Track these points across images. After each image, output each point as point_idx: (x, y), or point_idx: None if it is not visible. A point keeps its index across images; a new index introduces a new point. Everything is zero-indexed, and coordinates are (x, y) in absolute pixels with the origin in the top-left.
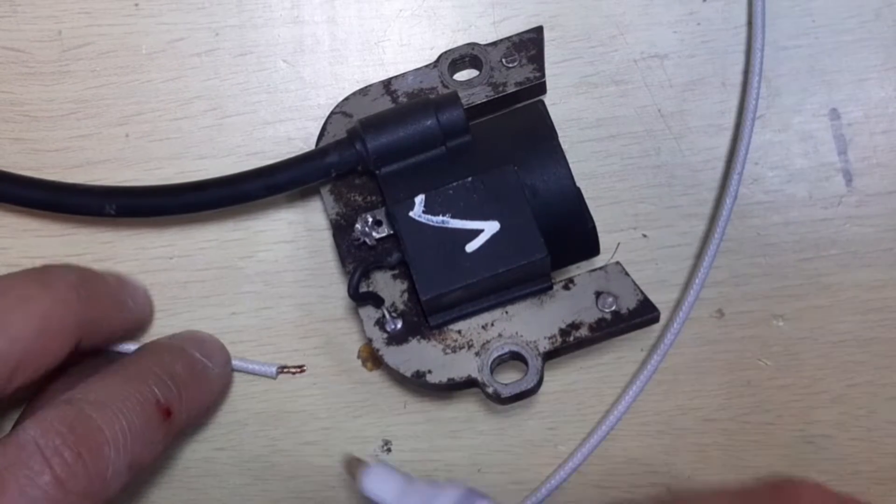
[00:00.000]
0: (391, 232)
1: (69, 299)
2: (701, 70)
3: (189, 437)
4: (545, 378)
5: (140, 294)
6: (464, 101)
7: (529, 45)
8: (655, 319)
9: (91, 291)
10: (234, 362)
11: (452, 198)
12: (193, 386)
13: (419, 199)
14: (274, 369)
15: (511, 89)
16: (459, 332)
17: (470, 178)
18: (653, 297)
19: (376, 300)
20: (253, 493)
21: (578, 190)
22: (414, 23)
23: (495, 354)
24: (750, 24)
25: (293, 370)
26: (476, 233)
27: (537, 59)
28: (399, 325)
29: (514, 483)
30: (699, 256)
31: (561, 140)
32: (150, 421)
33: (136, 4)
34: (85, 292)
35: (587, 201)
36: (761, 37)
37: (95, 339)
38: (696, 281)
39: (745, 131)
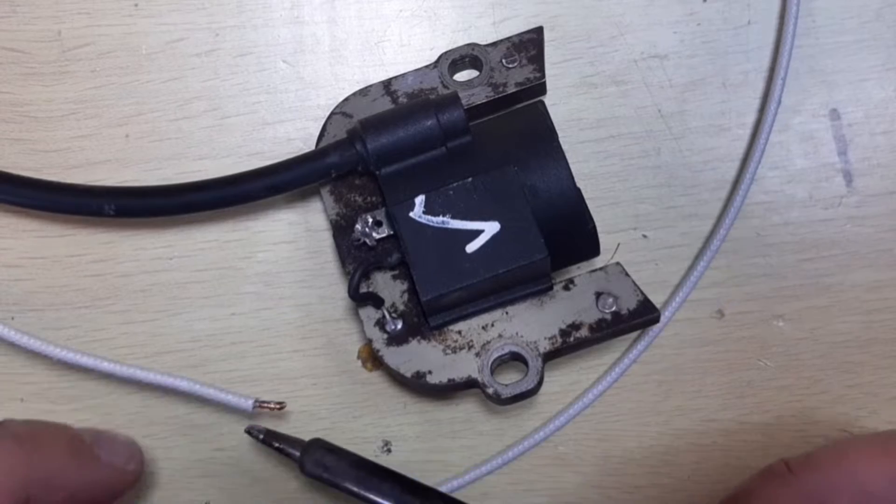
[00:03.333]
0: (391, 232)
1: (13, 453)
2: (701, 70)
3: (189, 438)
4: (545, 378)
5: (120, 448)
6: (464, 101)
7: (529, 45)
8: (656, 320)
9: (41, 444)
10: (209, 391)
11: (453, 198)
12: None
13: (419, 200)
14: (250, 403)
15: (511, 90)
16: (460, 332)
17: (470, 179)
18: (653, 298)
19: (376, 301)
20: (253, 493)
21: (578, 190)
22: (414, 23)
23: (495, 355)
24: (781, 29)
25: (272, 406)
26: (476, 233)
27: (537, 60)
28: (399, 326)
29: (513, 483)
30: (698, 256)
31: (561, 140)
32: None
33: (136, 5)
34: (32, 445)
35: (587, 202)
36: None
37: (54, 499)
38: (692, 278)
39: (764, 127)
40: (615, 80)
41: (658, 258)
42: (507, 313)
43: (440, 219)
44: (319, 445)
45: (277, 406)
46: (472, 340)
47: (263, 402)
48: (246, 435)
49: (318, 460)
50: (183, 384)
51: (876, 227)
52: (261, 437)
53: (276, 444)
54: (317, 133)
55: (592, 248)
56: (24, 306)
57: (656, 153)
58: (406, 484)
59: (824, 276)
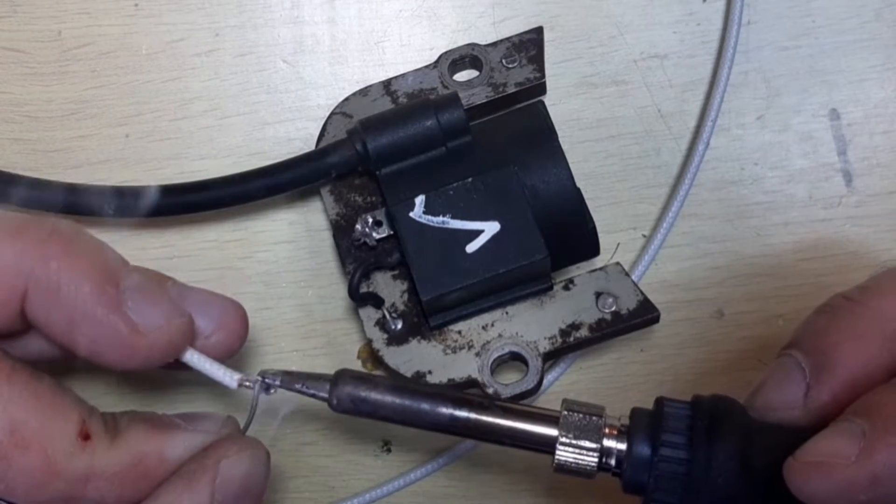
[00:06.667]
0: (391, 232)
1: (25, 241)
2: (701, 70)
3: None
4: (545, 378)
5: (156, 313)
6: (464, 101)
7: (529, 45)
8: (655, 320)
9: (68, 253)
10: (196, 360)
11: (453, 198)
12: None
13: (419, 200)
14: (236, 379)
15: (511, 90)
16: (460, 332)
17: (470, 179)
18: (653, 298)
19: (376, 301)
20: None
21: (578, 190)
22: (414, 23)
23: (495, 355)
24: None
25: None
26: (476, 233)
27: (537, 60)
28: (399, 326)
29: (513, 483)
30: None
31: (561, 140)
32: None
33: (136, 5)
34: (58, 246)
35: (587, 201)
36: None
37: (52, 315)
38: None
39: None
40: (615, 80)
41: (658, 258)
42: (507, 313)
43: (440, 219)
44: (348, 377)
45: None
46: (472, 340)
47: (249, 379)
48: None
49: (351, 394)
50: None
51: (876, 227)
52: (277, 382)
53: (298, 387)
54: (317, 133)
55: (592, 248)
56: None
57: (656, 153)
58: (450, 401)
59: (824, 277)
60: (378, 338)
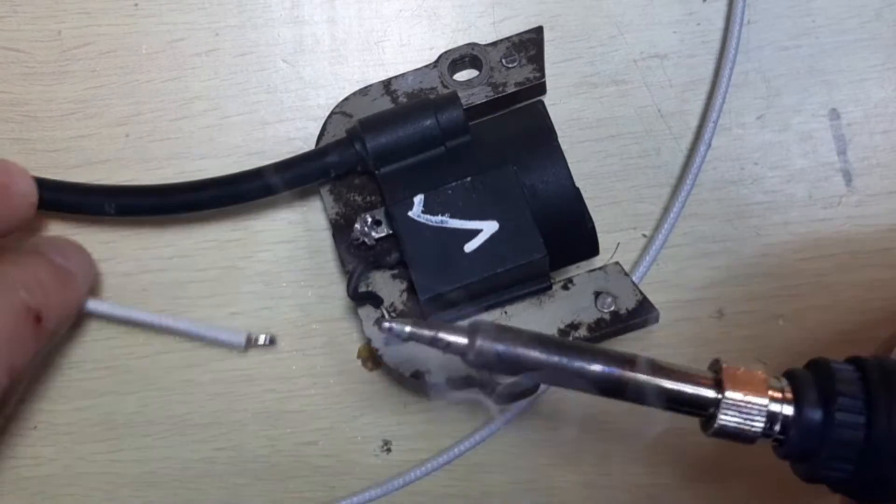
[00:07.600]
0: (390, 232)
1: None
2: (701, 70)
3: (189, 438)
4: None
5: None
6: (463, 101)
7: (529, 45)
8: (655, 319)
9: None
10: (201, 330)
11: (451, 198)
12: (60, 291)
13: (418, 199)
14: (243, 339)
15: (511, 89)
16: None
17: (469, 178)
18: (653, 298)
19: (376, 300)
20: (253, 493)
21: (578, 190)
22: (414, 23)
23: None
24: None
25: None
26: (475, 233)
27: (537, 60)
28: None
29: (513, 483)
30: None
31: (561, 140)
32: (21, 327)
33: (136, 4)
34: None
35: (587, 201)
36: None
37: None
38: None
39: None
40: (615, 80)
41: (658, 258)
42: (505, 313)
43: (439, 218)
44: (490, 327)
45: (270, 341)
46: None
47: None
48: (246, 436)
49: (493, 346)
50: (180, 324)
51: (876, 227)
52: (406, 331)
53: (429, 335)
54: (317, 133)
55: (591, 248)
56: None
57: (656, 153)
58: (601, 356)
59: (824, 276)
60: (377, 337)
